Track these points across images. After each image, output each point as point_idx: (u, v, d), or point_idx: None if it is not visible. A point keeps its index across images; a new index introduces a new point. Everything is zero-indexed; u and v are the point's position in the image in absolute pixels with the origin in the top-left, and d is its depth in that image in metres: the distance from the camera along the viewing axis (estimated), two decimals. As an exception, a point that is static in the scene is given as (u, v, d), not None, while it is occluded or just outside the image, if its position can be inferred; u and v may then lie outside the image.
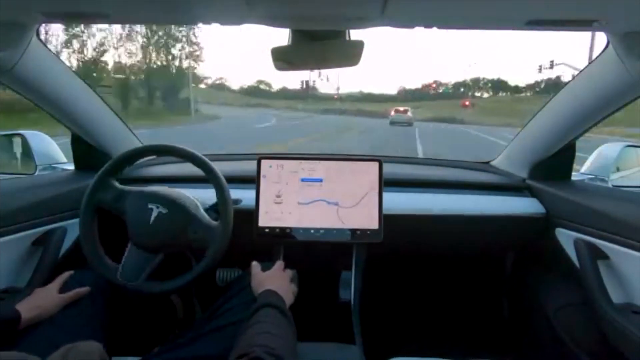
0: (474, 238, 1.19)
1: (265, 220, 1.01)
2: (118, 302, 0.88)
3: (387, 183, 1.03)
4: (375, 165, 1.02)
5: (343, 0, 0.58)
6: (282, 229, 1.01)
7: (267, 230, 1.01)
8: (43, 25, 0.81)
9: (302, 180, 1.02)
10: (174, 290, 0.87)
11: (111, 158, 0.92)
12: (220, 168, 0.89)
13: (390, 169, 1.07)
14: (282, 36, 0.76)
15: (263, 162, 1.02)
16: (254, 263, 0.85)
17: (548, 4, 0.57)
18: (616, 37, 0.73)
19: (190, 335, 0.77)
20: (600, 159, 1.38)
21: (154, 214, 0.85)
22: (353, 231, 1.00)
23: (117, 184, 0.91)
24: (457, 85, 70.00)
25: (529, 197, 1.15)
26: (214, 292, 0.93)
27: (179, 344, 0.76)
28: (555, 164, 1.13)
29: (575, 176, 1.19)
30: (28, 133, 1.37)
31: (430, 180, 1.20)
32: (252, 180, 1.02)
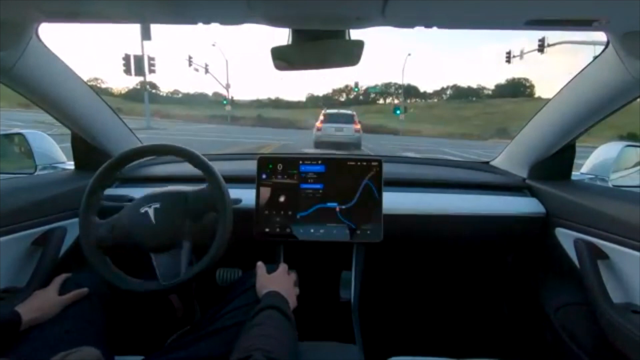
0: (473, 238, 1.19)
1: (265, 220, 1.01)
2: (117, 302, 0.88)
3: (387, 183, 1.03)
4: (376, 164, 1.02)
5: (343, 0, 0.58)
6: (282, 229, 1.01)
7: (267, 229, 1.01)
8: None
9: (302, 181, 1.03)
10: (210, 265, 0.84)
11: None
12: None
13: (390, 169, 1.07)
14: (282, 36, 0.76)
15: (263, 161, 1.02)
16: (259, 264, 0.85)
17: (548, 3, 0.57)
18: (616, 37, 0.73)
19: (192, 336, 0.77)
20: (600, 158, 1.38)
21: (151, 213, 0.84)
22: (353, 231, 1.00)
23: (98, 220, 0.88)
24: (367, 91, 64.27)
25: (529, 197, 1.15)
26: (214, 292, 0.93)
27: (181, 345, 0.76)
28: (555, 164, 1.13)
29: (575, 176, 1.19)
30: (28, 133, 1.37)
31: (431, 180, 1.20)
32: (252, 180, 1.02)
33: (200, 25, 0.68)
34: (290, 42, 0.75)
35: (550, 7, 0.58)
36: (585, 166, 1.40)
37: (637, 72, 0.75)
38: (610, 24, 0.65)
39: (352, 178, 1.02)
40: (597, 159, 1.39)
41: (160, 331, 1.03)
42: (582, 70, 0.93)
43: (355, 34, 0.74)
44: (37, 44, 0.82)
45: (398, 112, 27.01)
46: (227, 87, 30.96)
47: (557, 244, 1.03)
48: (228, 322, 0.76)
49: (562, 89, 1.01)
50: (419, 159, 1.53)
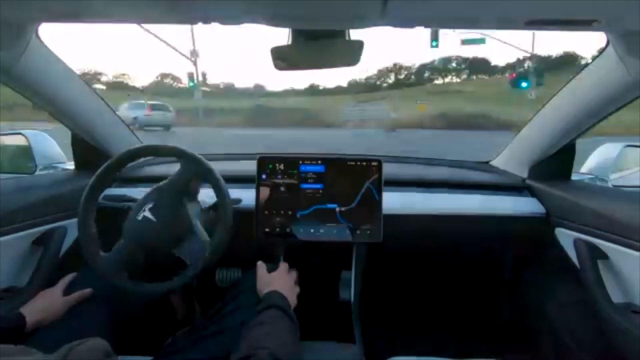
0: (473, 238, 1.19)
1: (265, 220, 1.01)
2: (120, 303, 0.88)
3: (387, 183, 1.03)
4: (376, 164, 1.02)
5: (343, 0, 0.58)
6: (283, 229, 1.01)
7: (267, 229, 1.01)
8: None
9: (302, 181, 1.03)
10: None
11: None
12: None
13: (390, 169, 1.08)
14: (282, 36, 0.73)
15: (263, 161, 1.03)
16: (259, 263, 0.85)
17: (548, 4, 0.57)
18: (616, 37, 0.73)
19: (194, 337, 0.77)
20: (600, 159, 1.38)
21: (149, 214, 0.83)
22: (353, 231, 1.00)
23: (103, 254, 0.87)
24: (421, 69, 49.77)
25: (528, 197, 1.15)
26: (214, 292, 0.93)
27: (183, 346, 0.76)
28: (555, 164, 1.13)
29: (575, 176, 1.20)
30: (28, 133, 1.37)
31: (430, 180, 1.20)
32: (252, 180, 1.02)
33: (200, 24, 0.68)
34: (290, 42, 0.75)
35: (550, 8, 0.58)
36: (585, 166, 1.40)
37: (637, 72, 0.75)
38: (610, 24, 0.65)
39: (352, 178, 1.02)
40: (597, 159, 1.39)
41: (161, 331, 1.03)
42: (582, 70, 0.93)
43: (355, 34, 0.74)
44: (37, 44, 0.82)
45: (525, 84, 15.44)
46: (193, 57, 17.25)
47: (557, 244, 1.03)
48: (229, 322, 0.77)
49: (562, 88, 1.01)
50: (419, 159, 1.53)
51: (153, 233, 0.84)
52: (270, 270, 0.83)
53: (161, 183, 0.89)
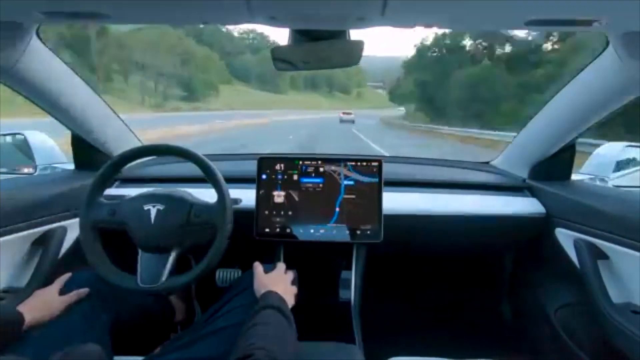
0: (474, 238, 1.19)
1: (265, 220, 1.01)
2: (117, 302, 0.88)
3: (387, 183, 1.03)
4: (376, 164, 1.02)
5: (343, 0, 0.58)
6: (282, 229, 1.01)
7: (267, 230, 1.01)
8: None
9: (302, 181, 1.02)
10: (189, 283, 0.85)
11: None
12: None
13: (390, 169, 1.07)
14: (282, 36, 0.72)
15: (263, 162, 1.03)
16: (256, 264, 0.85)
17: (548, 3, 0.57)
18: (616, 37, 0.73)
19: (191, 337, 0.77)
20: (600, 158, 1.38)
21: (153, 213, 0.84)
22: (353, 231, 1.00)
23: (105, 201, 0.89)
24: None
25: (529, 197, 1.15)
26: (214, 292, 0.92)
27: (180, 346, 0.76)
28: (555, 164, 1.13)
29: (575, 176, 1.20)
30: (28, 133, 1.37)
31: (430, 180, 1.20)
32: (252, 180, 1.02)
33: (200, 25, 0.68)
34: (290, 42, 0.75)
35: (550, 7, 0.58)
36: (586, 166, 1.40)
37: (637, 72, 0.75)
38: (610, 24, 0.65)
39: (352, 178, 1.02)
40: (597, 159, 1.39)
41: (160, 331, 1.03)
42: (582, 70, 0.92)
43: (355, 34, 0.74)
44: (37, 44, 0.82)
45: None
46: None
47: (557, 244, 1.03)
48: (227, 322, 0.77)
49: (562, 88, 1.01)
50: (419, 159, 1.53)
51: (141, 229, 0.84)
52: (267, 271, 0.83)
53: (183, 195, 0.89)
